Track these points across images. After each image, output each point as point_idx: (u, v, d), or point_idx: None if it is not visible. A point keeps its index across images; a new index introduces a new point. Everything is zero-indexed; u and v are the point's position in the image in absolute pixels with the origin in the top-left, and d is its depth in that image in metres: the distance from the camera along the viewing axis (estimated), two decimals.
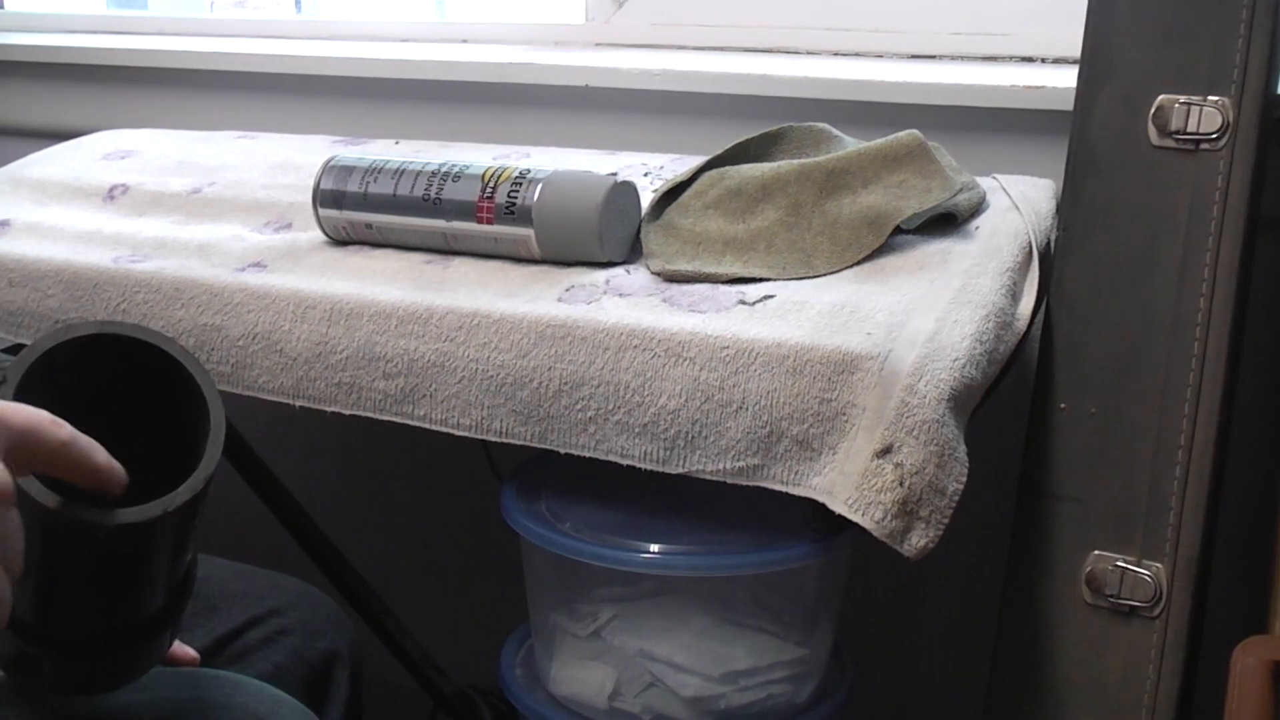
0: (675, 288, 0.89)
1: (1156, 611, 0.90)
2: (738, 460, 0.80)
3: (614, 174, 0.96)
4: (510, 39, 1.51)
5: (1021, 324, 0.89)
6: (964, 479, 0.77)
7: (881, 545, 0.76)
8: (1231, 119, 0.88)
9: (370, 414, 0.89)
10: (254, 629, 0.91)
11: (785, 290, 0.87)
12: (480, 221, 0.94)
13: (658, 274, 0.91)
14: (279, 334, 0.91)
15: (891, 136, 0.97)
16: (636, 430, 0.82)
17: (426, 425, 0.88)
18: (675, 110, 1.31)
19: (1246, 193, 0.88)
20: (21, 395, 0.53)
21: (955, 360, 0.78)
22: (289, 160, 1.23)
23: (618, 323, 0.83)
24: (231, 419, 0.65)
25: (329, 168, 1.00)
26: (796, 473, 0.79)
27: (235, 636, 0.90)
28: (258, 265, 0.98)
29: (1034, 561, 0.94)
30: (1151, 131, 0.90)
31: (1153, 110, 0.90)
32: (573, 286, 0.89)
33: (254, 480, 1.20)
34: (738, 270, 0.90)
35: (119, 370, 0.59)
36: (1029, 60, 1.29)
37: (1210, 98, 0.88)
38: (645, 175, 1.11)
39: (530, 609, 1.02)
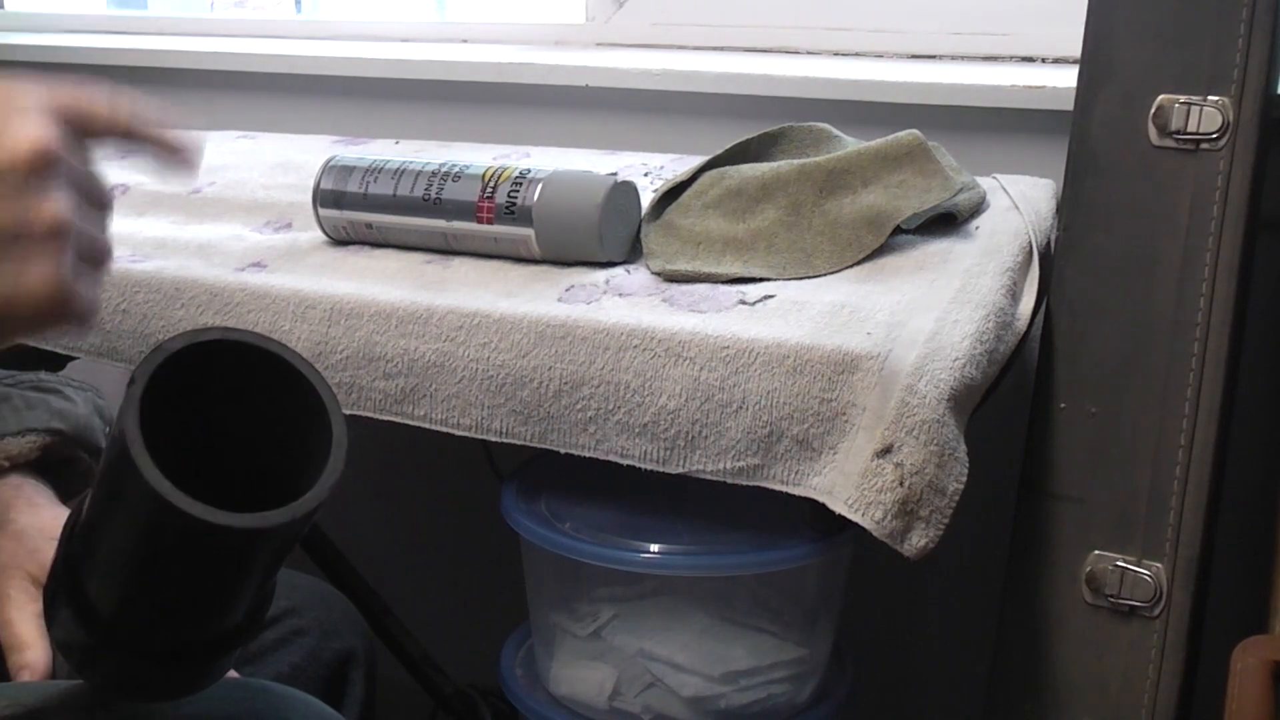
0: (675, 288, 0.89)
1: (1156, 611, 0.90)
2: (738, 460, 0.80)
3: (614, 174, 0.96)
4: (510, 39, 1.51)
5: (1021, 324, 0.89)
6: (964, 479, 0.77)
7: (881, 545, 0.76)
8: (1231, 119, 0.88)
9: (370, 414, 0.89)
10: (270, 629, 0.89)
11: (785, 290, 0.87)
12: (480, 221, 0.94)
13: (658, 274, 0.91)
14: (279, 334, 0.90)
15: (891, 136, 0.97)
16: (636, 430, 0.82)
17: (426, 425, 0.88)
18: (675, 110, 1.31)
19: (1246, 193, 0.88)
20: (148, 398, 0.52)
21: (955, 360, 0.78)
22: (289, 160, 1.23)
23: (618, 323, 0.83)
24: None
25: (329, 168, 1.00)
26: (796, 473, 0.79)
27: None
28: (258, 265, 0.98)
29: (1034, 561, 0.94)
30: (1151, 131, 0.90)
31: (1153, 110, 0.90)
32: (573, 286, 0.89)
33: None
34: (738, 270, 0.90)
35: (227, 376, 0.58)
36: (1029, 60, 1.29)
37: (1210, 98, 0.88)
38: (645, 175, 1.11)
39: (530, 609, 1.02)
